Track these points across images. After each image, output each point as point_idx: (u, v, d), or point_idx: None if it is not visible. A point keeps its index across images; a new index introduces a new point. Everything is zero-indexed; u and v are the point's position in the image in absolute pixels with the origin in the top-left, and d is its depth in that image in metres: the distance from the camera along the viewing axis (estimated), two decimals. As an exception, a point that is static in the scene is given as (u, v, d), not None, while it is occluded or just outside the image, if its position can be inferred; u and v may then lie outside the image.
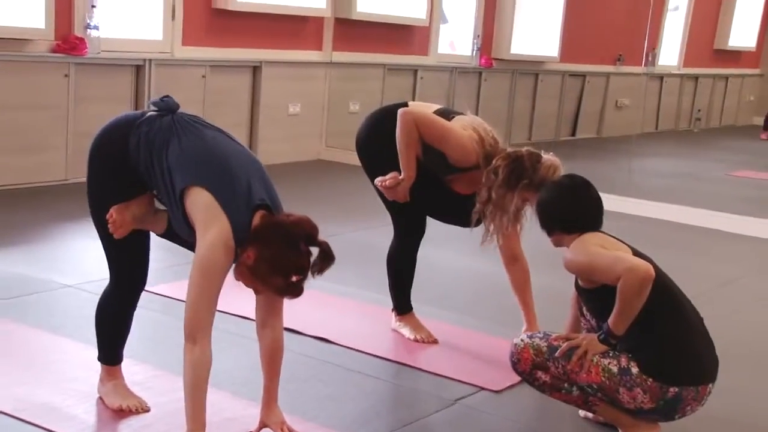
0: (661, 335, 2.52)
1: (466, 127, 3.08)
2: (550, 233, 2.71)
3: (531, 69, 9.35)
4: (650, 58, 10.18)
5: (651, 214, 6.08)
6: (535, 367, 2.61)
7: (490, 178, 2.94)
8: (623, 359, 2.52)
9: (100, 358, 2.62)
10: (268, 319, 2.42)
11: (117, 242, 2.45)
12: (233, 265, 2.27)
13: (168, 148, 2.31)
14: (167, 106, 2.40)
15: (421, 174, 3.11)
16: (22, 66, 5.22)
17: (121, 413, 2.56)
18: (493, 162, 2.96)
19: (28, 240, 4.30)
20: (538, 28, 9.17)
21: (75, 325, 3.23)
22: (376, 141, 3.23)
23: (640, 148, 9.06)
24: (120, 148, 2.37)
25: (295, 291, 2.25)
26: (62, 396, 2.64)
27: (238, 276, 2.28)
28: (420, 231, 3.32)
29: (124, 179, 2.40)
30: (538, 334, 2.66)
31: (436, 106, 3.25)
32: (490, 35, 8.87)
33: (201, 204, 2.23)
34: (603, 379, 2.52)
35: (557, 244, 2.71)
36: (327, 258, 2.24)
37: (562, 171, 2.93)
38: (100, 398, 2.62)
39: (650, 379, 2.49)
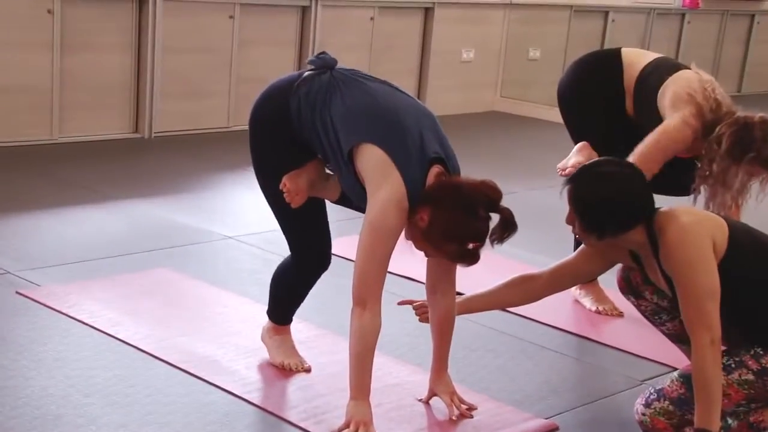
0: None
1: (680, 101, 2.89)
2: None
3: (745, 9, 8.86)
4: None
5: None
6: (676, 429, 2.37)
7: (713, 148, 2.78)
8: (749, 361, 2.33)
9: (270, 316, 2.69)
10: (440, 284, 2.43)
11: (293, 214, 2.48)
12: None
13: (331, 105, 2.32)
14: (324, 63, 2.42)
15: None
16: (187, 6, 5.44)
17: (281, 371, 2.65)
18: (717, 129, 2.79)
19: (190, 188, 4.50)
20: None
21: (236, 278, 3.36)
22: (583, 92, 3.16)
23: None
24: (281, 114, 2.40)
25: (471, 258, 2.25)
26: (223, 350, 2.76)
27: (409, 236, 2.29)
28: None
29: (291, 146, 2.43)
30: (652, 394, 2.41)
31: (654, 55, 3.14)
32: (696, -28, 8.48)
33: (372, 161, 2.25)
34: (746, 392, 2.34)
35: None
36: (509, 226, 2.22)
37: None
38: (264, 346, 2.70)
39: None
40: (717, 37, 8.74)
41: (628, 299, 2.62)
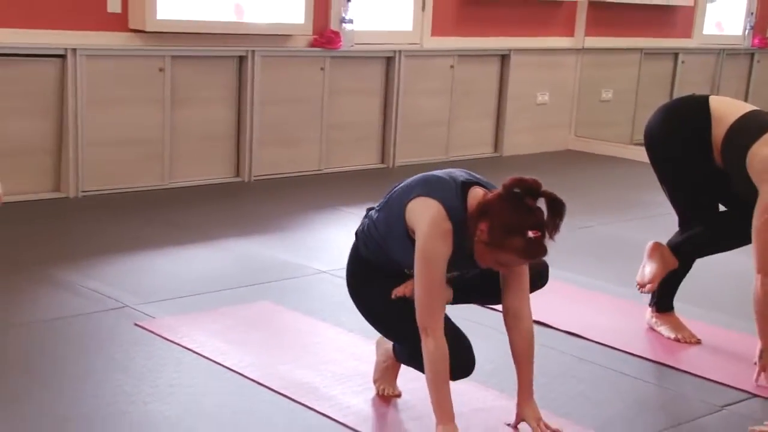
0: None
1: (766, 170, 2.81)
2: None
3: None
4: None
5: None
6: None
7: None
8: None
9: (392, 348, 2.67)
10: (518, 308, 2.42)
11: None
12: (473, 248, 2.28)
13: (378, 224, 2.45)
14: (365, 214, 2.57)
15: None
16: (283, 61, 5.56)
17: (375, 396, 2.67)
18: None
19: (286, 227, 4.58)
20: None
21: (329, 310, 3.40)
22: (671, 140, 3.08)
23: None
24: (362, 261, 2.54)
25: (538, 249, 2.22)
26: (320, 377, 2.79)
27: (482, 260, 2.30)
28: None
29: (387, 279, 2.49)
30: None
31: (743, 109, 3.00)
32: (766, 12, 8.31)
33: (415, 208, 2.32)
34: None
35: None
36: (557, 207, 2.19)
37: None
38: (375, 348, 2.72)
39: None
40: (788, 75, 8.56)
41: None
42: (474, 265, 2.35)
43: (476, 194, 2.30)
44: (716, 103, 3.03)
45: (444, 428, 2.31)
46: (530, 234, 2.19)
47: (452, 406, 2.32)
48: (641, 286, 3.16)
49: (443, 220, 2.26)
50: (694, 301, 3.55)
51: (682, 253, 3.17)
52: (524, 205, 2.21)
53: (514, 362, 2.47)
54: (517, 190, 2.21)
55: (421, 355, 2.40)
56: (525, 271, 2.41)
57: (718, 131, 2.97)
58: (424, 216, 2.28)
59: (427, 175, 2.40)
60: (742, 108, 3.02)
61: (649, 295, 3.32)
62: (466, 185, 2.32)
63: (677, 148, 3.07)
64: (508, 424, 2.52)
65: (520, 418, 2.49)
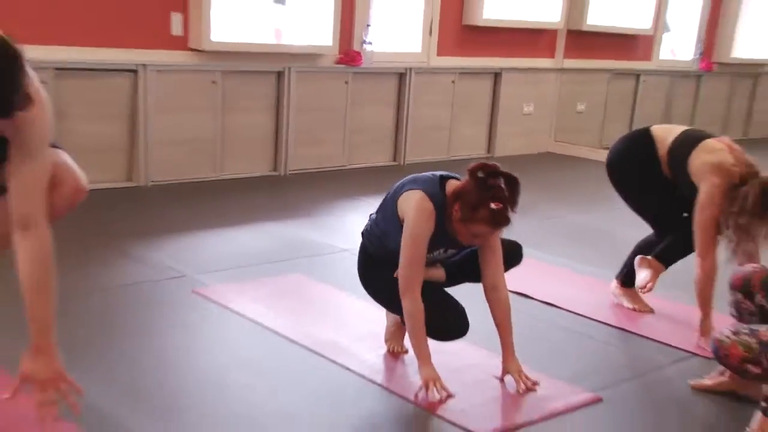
0: None
1: (704, 170, 2.86)
2: None
3: (750, 71, 8.64)
4: None
5: None
6: (744, 362, 2.16)
7: (740, 205, 2.71)
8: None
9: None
10: (495, 281, 2.47)
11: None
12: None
13: (378, 222, 2.52)
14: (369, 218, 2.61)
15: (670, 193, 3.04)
16: (313, 76, 5.59)
17: (387, 353, 2.71)
18: (744, 188, 2.73)
19: (314, 212, 4.62)
20: (759, 33, 8.46)
21: (351, 282, 3.40)
22: (627, 166, 3.17)
23: None
24: (369, 257, 2.58)
25: (501, 217, 2.27)
26: (342, 336, 2.84)
27: (460, 236, 2.35)
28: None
29: (389, 269, 2.47)
30: (744, 330, 2.16)
31: (681, 128, 3.10)
32: (711, 41, 8.31)
33: (404, 200, 2.38)
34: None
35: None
36: (513, 183, 2.27)
37: None
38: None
39: None
40: (728, 93, 8.56)
41: (734, 295, 2.35)
42: (456, 244, 2.41)
43: (452, 184, 2.38)
44: (656, 129, 3.14)
45: (424, 368, 2.39)
46: (493, 205, 2.26)
47: (429, 350, 2.39)
48: (642, 288, 3.20)
49: (426, 202, 2.33)
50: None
51: (665, 261, 3.22)
52: (486, 184, 2.27)
53: (496, 327, 2.52)
54: (480, 174, 2.28)
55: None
56: (499, 249, 2.46)
57: (663, 150, 3.07)
58: (411, 201, 2.35)
59: (413, 175, 2.46)
60: (676, 129, 3.12)
61: (616, 270, 3.36)
62: (444, 178, 2.39)
63: (633, 169, 3.15)
64: (496, 377, 2.56)
65: (505, 372, 2.54)
